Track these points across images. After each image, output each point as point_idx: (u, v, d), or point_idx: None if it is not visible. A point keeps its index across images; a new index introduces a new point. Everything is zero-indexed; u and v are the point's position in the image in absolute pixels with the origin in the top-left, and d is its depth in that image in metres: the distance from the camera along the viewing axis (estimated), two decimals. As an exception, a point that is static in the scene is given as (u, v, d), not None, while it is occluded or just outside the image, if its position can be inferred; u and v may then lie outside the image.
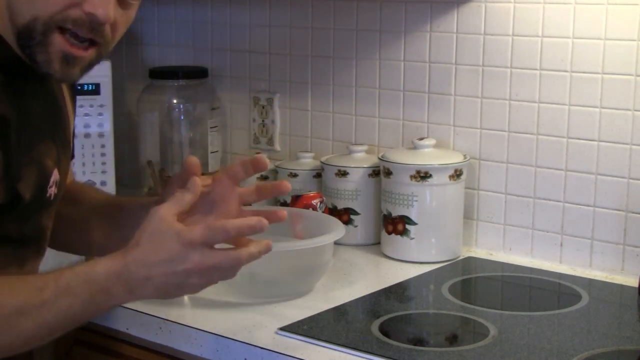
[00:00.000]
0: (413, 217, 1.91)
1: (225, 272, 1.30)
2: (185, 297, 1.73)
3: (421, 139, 1.99)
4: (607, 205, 1.85)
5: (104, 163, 2.26)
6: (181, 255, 1.25)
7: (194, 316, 1.63)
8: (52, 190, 1.41)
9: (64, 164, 1.46)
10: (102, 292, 1.26)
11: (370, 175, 2.02)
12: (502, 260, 1.96)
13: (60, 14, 1.28)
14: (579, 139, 1.87)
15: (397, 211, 1.92)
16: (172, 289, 1.29)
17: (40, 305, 1.24)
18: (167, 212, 1.28)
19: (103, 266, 1.26)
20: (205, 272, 1.27)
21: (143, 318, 1.63)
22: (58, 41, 1.29)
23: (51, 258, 1.55)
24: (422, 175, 1.89)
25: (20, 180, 1.33)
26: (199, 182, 1.33)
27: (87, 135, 2.23)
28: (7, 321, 1.23)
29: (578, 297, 1.73)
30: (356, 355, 1.45)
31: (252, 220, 1.29)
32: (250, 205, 1.55)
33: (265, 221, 1.29)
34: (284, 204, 2.09)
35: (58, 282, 1.25)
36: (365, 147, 2.10)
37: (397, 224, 1.93)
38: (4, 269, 1.36)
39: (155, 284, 1.26)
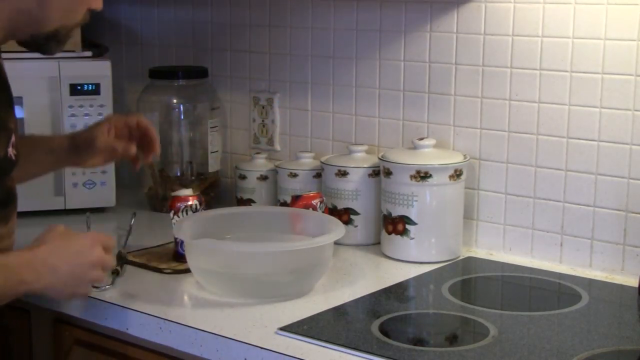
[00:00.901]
0: (413, 217, 1.91)
1: (106, 272, 1.57)
2: (185, 297, 1.73)
3: (421, 139, 1.99)
4: (607, 205, 1.85)
5: (104, 163, 2.26)
6: (89, 249, 1.51)
7: (194, 316, 1.63)
8: (11, 151, 1.57)
9: (17, 127, 1.64)
10: (14, 277, 1.45)
11: (370, 175, 2.02)
12: (502, 260, 1.96)
13: (81, 19, 1.56)
14: (579, 139, 1.87)
15: (397, 211, 1.92)
16: (73, 282, 1.50)
17: None
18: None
19: (16, 255, 1.48)
20: (101, 268, 1.53)
21: (143, 318, 1.63)
22: (71, 34, 1.57)
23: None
24: (422, 175, 1.89)
25: None
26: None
27: (87, 135, 2.23)
28: None
29: (578, 297, 1.73)
30: (356, 355, 1.45)
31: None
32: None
33: None
34: (284, 204, 2.09)
35: None
36: (365, 147, 2.09)
37: (397, 224, 1.93)
38: None
39: (60, 273, 1.48)
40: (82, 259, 1.50)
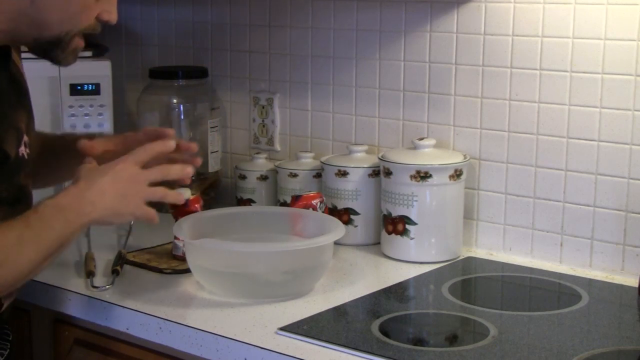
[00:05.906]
0: (413, 217, 1.91)
1: (154, 187, 1.56)
2: (185, 297, 1.73)
3: (421, 139, 1.99)
4: (607, 205, 1.85)
5: (104, 163, 2.26)
6: (121, 167, 1.53)
7: (194, 316, 1.63)
8: (23, 150, 1.58)
9: (30, 126, 1.64)
10: (71, 214, 1.49)
11: (370, 175, 2.02)
12: (502, 260, 1.96)
13: (87, 27, 1.55)
14: (579, 139, 1.87)
15: (397, 211, 1.92)
16: (125, 201, 1.53)
17: (32, 235, 1.45)
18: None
19: (64, 195, 1.51)
20: (142, 182, 1.54)
21: (143, 318, 1.63)
22: (76, 42, 1.56)
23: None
24: (422, 175, 1.89)
25: (5, 141, 1.52)
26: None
27: (87, 135, 2.23)
28: (7, 252, 1.43)
29: (578, 297, 1.73)
30: (356, 355, 1.45)
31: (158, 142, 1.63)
32: None
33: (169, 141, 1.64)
34: (284, 204, 2.09)
35: (39, 216, 1.47)
36: (365, 147, 2.10)
37: (397, 224, 1.93)
38: None
39: (110, 195, 1.51)
40: (120, 177, 1.52)
